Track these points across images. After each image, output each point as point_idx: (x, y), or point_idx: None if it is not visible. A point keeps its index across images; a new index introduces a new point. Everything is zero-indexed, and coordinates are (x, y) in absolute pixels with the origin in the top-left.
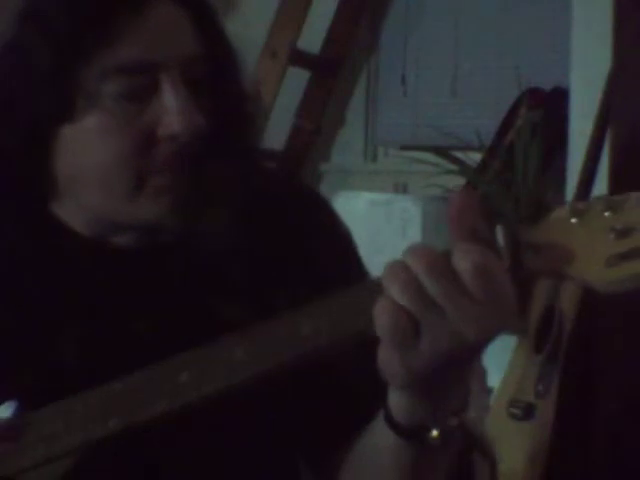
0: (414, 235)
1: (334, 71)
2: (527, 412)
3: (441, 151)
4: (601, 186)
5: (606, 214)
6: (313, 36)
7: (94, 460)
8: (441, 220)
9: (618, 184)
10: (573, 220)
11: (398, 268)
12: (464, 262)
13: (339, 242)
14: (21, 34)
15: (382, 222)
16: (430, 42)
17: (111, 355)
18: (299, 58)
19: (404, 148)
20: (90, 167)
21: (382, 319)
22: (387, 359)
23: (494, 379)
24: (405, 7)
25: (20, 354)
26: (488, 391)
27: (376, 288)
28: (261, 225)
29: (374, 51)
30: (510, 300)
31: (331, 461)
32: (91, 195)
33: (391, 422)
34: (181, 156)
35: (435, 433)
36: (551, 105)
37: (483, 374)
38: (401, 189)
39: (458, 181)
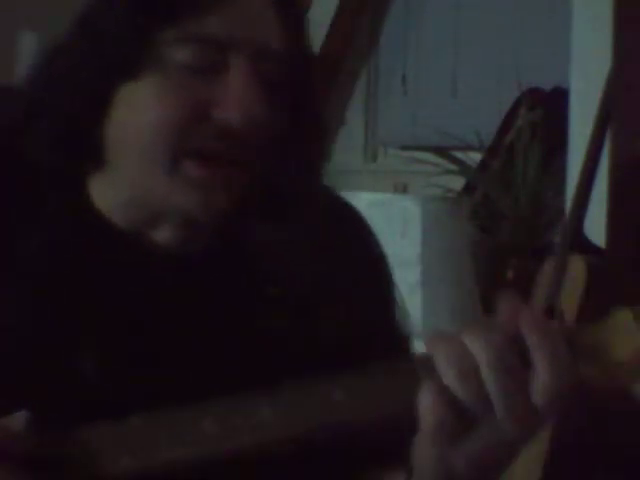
0: (414, 235)
1: (334, 71)
2: None
3: (441, 151)
4: (601, 186)
5: None
6: (313, 36)
7: None
8: (441, 220)
9: (618, 184)
10: (635, 327)
11: (458, 352)
12: (549, 367)
13: (373, 265)
14: None
15: (382, 222)
16: (430, 42)
17: (133, 368)
18: None
19: (404, 148)
20: (136, 128)
21: (430, 410)
22: (424, 454)
23: None
24: (405, 7)
25: (35, 360)
26: None
27: (421, 372)
28: (303, 241)
29: (374, 51)
30: (557, 405)
31: None
32: (130, 163)
33: None
34: (228, 146)
35: None
36: (551, 105)
37: None
38: (401, 189)
39: (458, 181)
